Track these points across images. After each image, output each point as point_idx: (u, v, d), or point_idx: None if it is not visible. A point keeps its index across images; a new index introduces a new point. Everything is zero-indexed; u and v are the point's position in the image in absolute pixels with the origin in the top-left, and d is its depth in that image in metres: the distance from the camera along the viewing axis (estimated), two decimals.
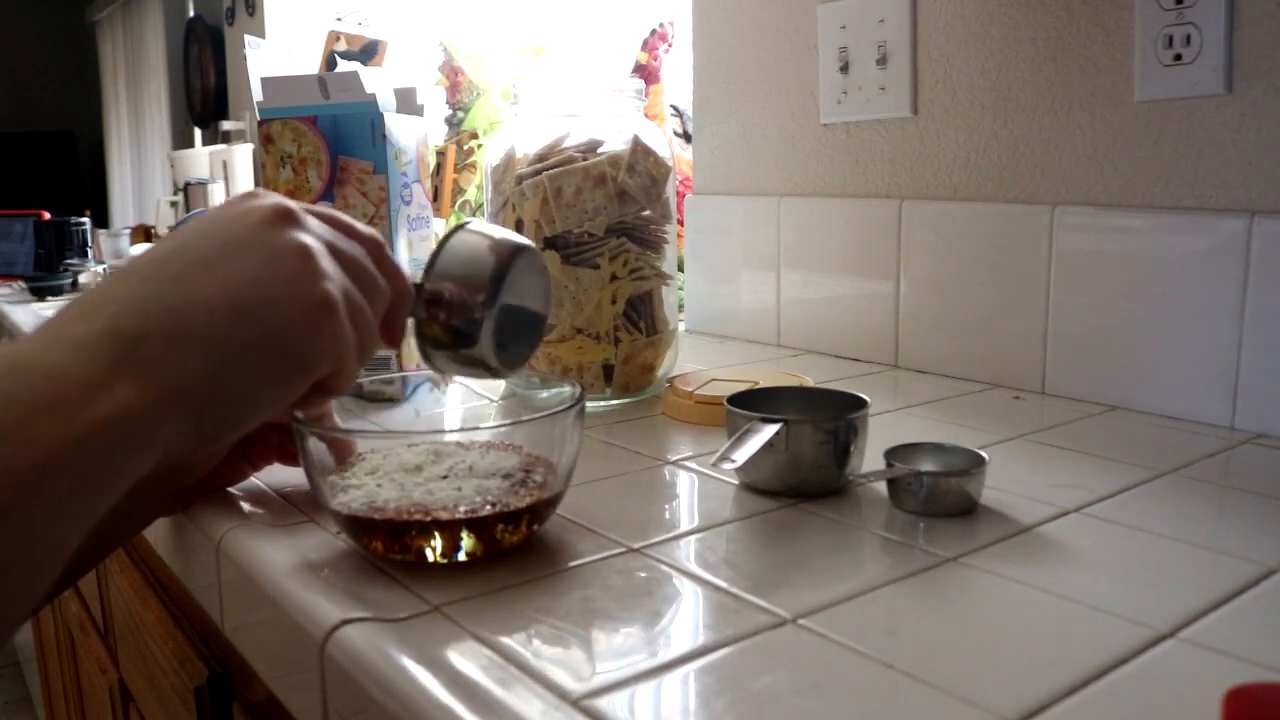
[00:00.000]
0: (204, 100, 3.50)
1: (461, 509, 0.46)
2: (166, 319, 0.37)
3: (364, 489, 0.48)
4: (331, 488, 0.49)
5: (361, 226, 0.46)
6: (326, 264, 0.41)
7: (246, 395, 0.40)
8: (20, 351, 0.35)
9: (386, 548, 0.48)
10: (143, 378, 0.36)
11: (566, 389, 0.55)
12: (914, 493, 0.54)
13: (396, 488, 0.48)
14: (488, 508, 0.47)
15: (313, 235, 0.42)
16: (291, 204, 0.42)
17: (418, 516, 0.46)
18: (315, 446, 0.49)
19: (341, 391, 0.45)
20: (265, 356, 0.39)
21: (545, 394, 0.59)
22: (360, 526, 0.48)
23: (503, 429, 0.56)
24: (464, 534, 0.47)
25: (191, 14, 3.76)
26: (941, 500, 0.54)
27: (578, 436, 0.51)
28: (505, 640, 0.40)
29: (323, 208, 0.45)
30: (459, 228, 0.50)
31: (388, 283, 0.45)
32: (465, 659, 0.39)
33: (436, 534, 0.47)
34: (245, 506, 0.57)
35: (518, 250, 0.49)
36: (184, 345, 0.37)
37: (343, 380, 0.44)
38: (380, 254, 0.46)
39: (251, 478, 0.60)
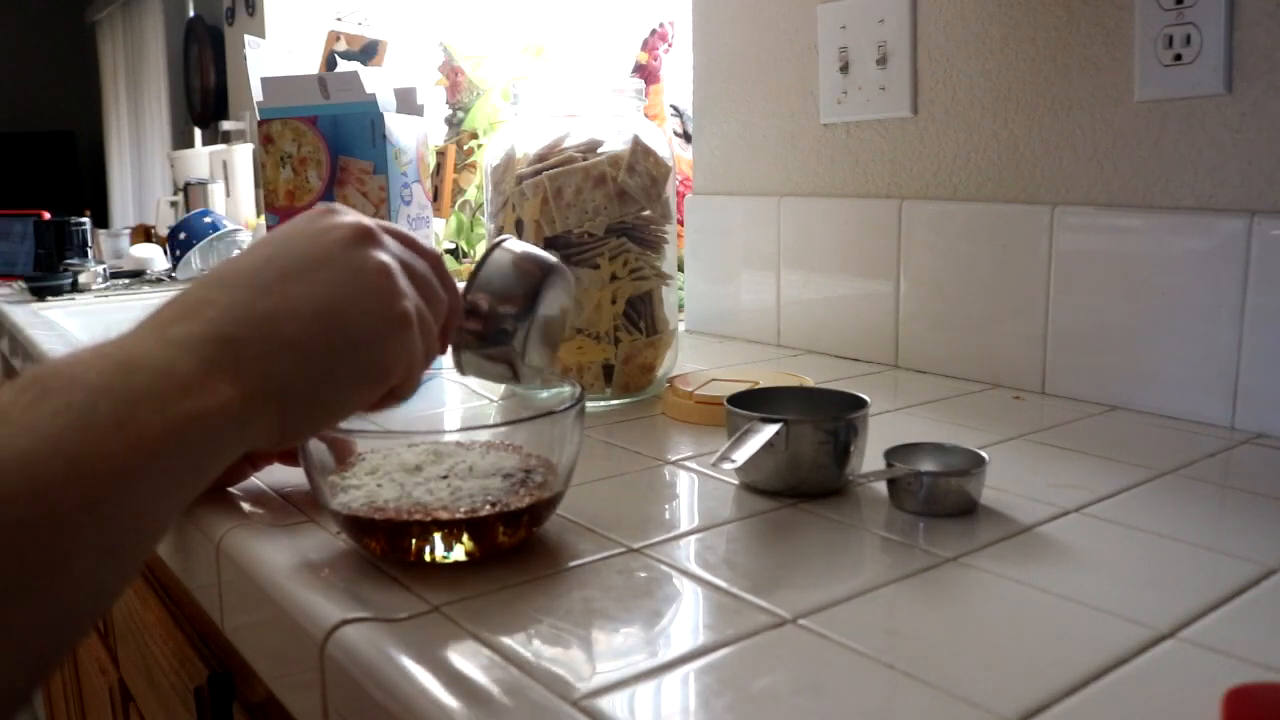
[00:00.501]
0: (204, 100, 3.50)
1: (461, 509, 0.46)
2: (261, 325, 0.41)
3: (364, 489, 0.48)
4: (331, 488, 0.49)
5: (426, 244, 0.49)
6: (403, 282, 0.45)
7: (331, 398, 0.43)
8: (129, 349, 0.38)
9: (386, 548, 0.48)
10: (239, 378, 0.39)
11: (566, 389, 0.55)
12: (914, 493, 0.54)
13: (396, 488, 0.48)
14: (488, 508, 0.47)
15: (390, 254, 0.45)
16: (370, 222, 0.46)
17: (418, 516, 0.46)
18: (315, 447, 0.49)
19: (407, 397, 0.48)
20: (349, 363, 0.43)
21: (545, 394, 0.59)
22: (360, 526, 0.48)
23: (503, 429, 0.57)
24: (464, 534, 0.47)
25: (191, 14, 3.76)
26: (941, 500, 0.54)
27: (578, 436, 0.51)
28: (505, 640, 0.40)
29: (393, 225, 0.48)
30: (495, 246, 0.54)
31: (447, 296, 0.49)
32: (465, 659, 0.39)
33: (436, 534, 0.47)
34: (245, 506, 0.57)
35: (549, 270, 0.54)
36: (277, 350, 0.41)
37: (410, 387, 0.47)
38: (441, 270, 0.49)
39: (251, 478, 0.60)
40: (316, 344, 0.42)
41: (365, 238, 0.45)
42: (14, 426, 0.33)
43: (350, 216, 0.46)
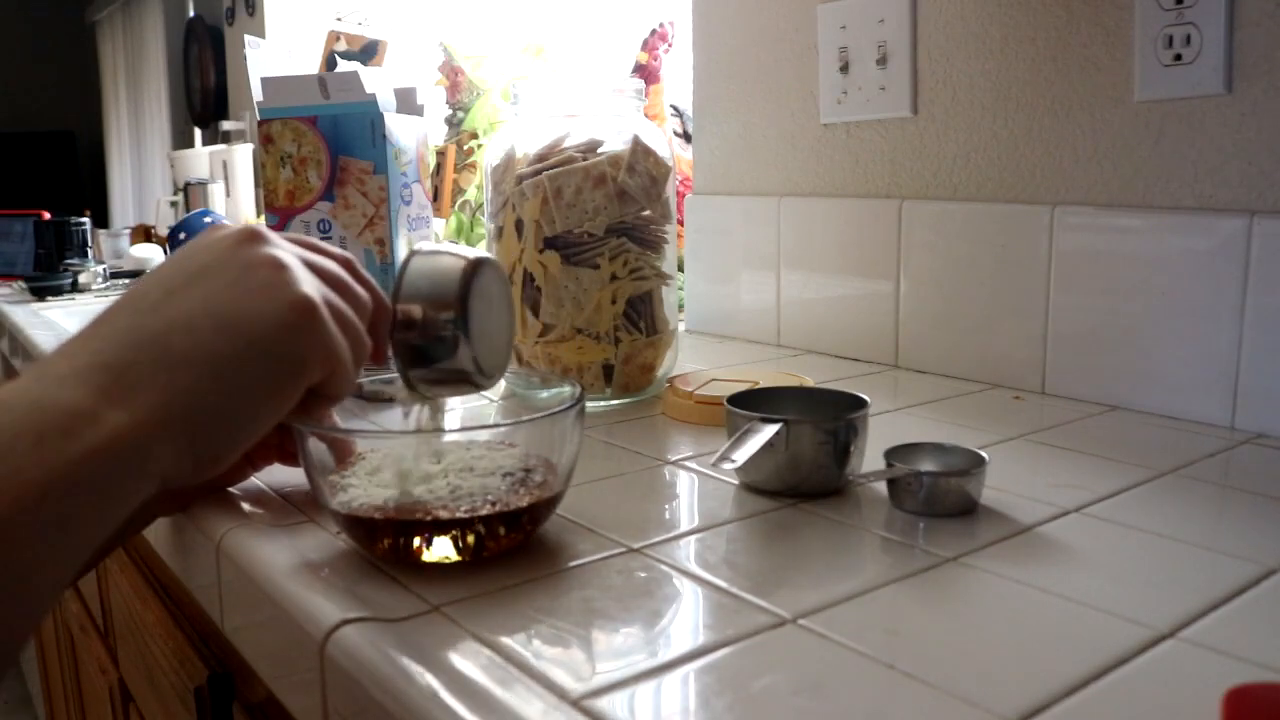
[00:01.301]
0: (204, 100, 3.50)
1: (461, 509, 0.46)
2: (150, 344, 0.37)
3: (364, 489, 0.48)
4: (331, 488, 0.49)
5: (331, 246, 0.47)
6: (300, 272, 0.42)
7: (240, 409, 0.40)
8: (4, 391, 0.35)
9: (386, 548, 0.48)
10: (131, 403, 0.36)
11: (566, 389, 0.55)
12: (914, 493, 0.54)
13: (396, 487, 0.48)
14: (488, 507, 0.47)
15: (281, 249, 0.42)
16: (259, 226, 0.43)
17: (418, 516, 0.46)
18: (315, 446, 0.49)
19: (340, 396, 0.45)
20: (252, 366, 0.40)
21: (545, 394, 0.59)
22: (360, 526, 0.48)
23: (503, 429, 0.57)
24: (464, 534, 0.47)
25: (191, 14, 3.76)
26: (941, 500, 0.54)
27: (578, 436, 0.51)
28: (505, 640, 0.40)
29: (296, 234, 0.46)
30: (413, 253, 0.52)
31: (366, 293, 0.46)
32: (465, 659, 0.39)
33: (437, 533, 0.47)
34: (245, 506, 0.57)
35: (477, 263, 0.51)
36: (169, 367, 0.37)
37: (339, 384, 0.44)
38: (353, 269, 0.46)
39: (251, 478, 0.60)
40: (213, 354, 0.38)
41: (251, 238, 0.42)
42: None
43: (238, 225, 0.43)
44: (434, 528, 0.46)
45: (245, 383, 0.39)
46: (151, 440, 0.36)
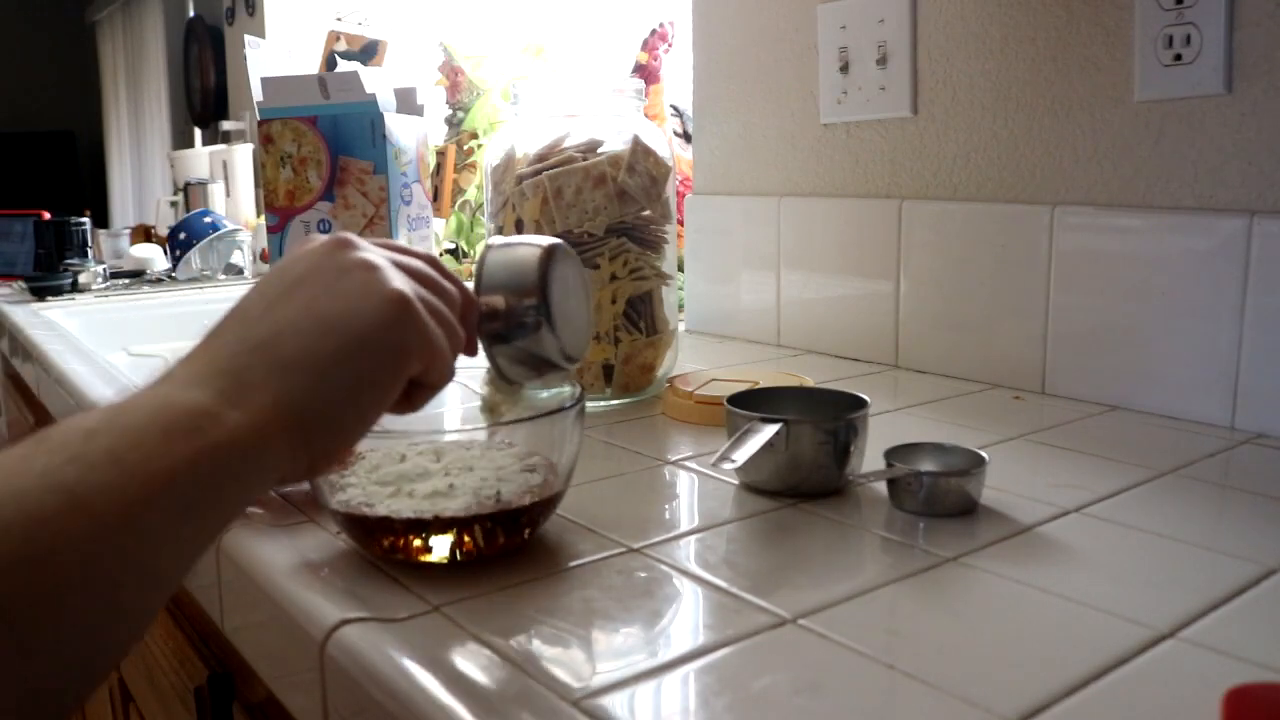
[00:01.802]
0: (204, 100, 3.50)
1: (462, 509, 0.46)
2: (260, 350, 0.40)
3: (363, 488, 0.48)
4: (331, 487, 0.49)
5: (415, 248, 0.48)
6: (391, 271, 0.44)
7: (348, 404, 0.42)
8: (129, 398, 0.37)
9: (386, 547, 0.48)
10: (248, 404, 0.38)
11: (566, 389, 0.55)
12: (914, 493, 0.54)
13: (396, 487, 0.48)
14: (487, 507, 0.47)
15: (372, 252, 0.45)
16: (348, 234, 0.45)
17: (418, 516, 0.46)
18: None
19: (441, 385, 0.47)
20: (357, 362, 0.41)
21: (545, 394, 0.59)
22: (360, 526, 0.48)
23: (503, 429, 0.57)
24: (464, 533, 0.47)
25: (191, 14, 3.76)
26: (941, 500, 0.54)
27: (578, 436, 0.51)
28: (505, 640, 0.40)
29: (382, 239, 0.48)
30: (488, 247, 0.53)
31: (454, 287, 0.48)
32: (465, 659, 0.39)
33: (437, 533, 0.47)
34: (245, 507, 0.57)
35: (551, 250, 0.52)
36: (281, 370, 0.39)
37: (438, 373, 0.45)
38: (439, 265, 0.48)
39: None
40: (320, 353, 0.40)
41: (342, 244, 0.44)
42: (7, 470, 0.32)
43: (329, 235, 0.45)
44: (434, 527, 0.46)
45: (351, 378, 0.41)
46: (270, 438, 0.38)
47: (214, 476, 0.36)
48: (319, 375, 0.40)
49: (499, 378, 0.53)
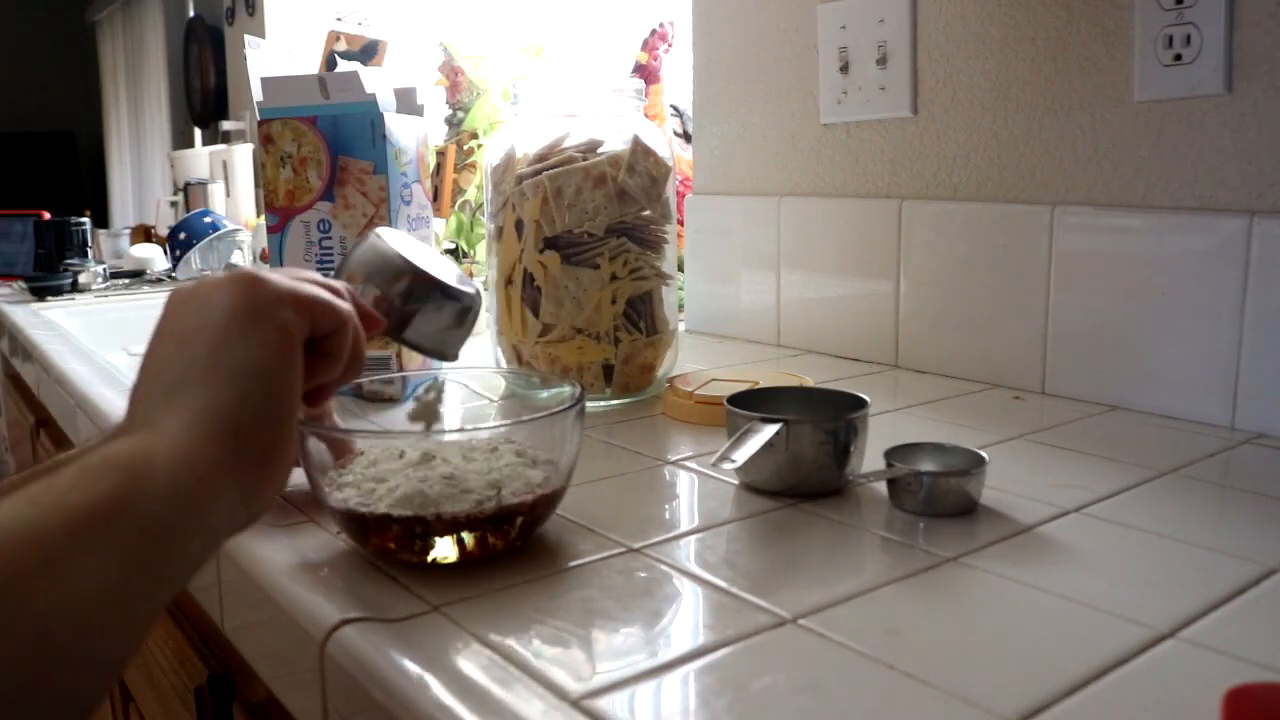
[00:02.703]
0: (204, 100, 3.50)
1: (461, 508, 0.46)
2: (172, 390, 0.41)
3: (362, 486, 0.48)
4: (330, 484, 0.49)
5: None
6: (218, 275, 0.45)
7: (259, 398, 0.41)
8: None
9: (385, 547, 0.48)
10: (170, 433, 0.38)
11: (566, 389, 0.55)
12: (914, 493, 0.54)
13: (395, 486, 0.48)
14: (487, 506, 0.47)
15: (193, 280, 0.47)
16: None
17: (418, 515, 0.46)
18: (315, 446, 0.49)
19: (344, 348, 0.47)
20: (238, 346, 0.42)
21: (545, 394, 0.59)
22: (359, 524, 0.48)
23: (503, 429, 0.57)
24: (464, 533, 0.47)
25: (191, 14, 3.76)
26: (941, 500, 0.54)
27: (578, 436, 0.51)
28: (505, 640, 0.40)
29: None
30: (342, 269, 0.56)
31: (311, 274, 0.48)
32: (465, 659, 0.39)
33: (436, 533, 0.47)
34: None
35: (374, 233, 0.56)
36: (193, 390, 0.40)
37: (333, 332, 0.46)
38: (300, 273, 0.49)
39: None
40: (206, 361, 0.41)
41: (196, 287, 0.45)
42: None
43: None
44: (434, 527, 0.46)
45: (241, 366, 0.41)
46: (198, 463, 0.38)
47: (144, 510, 0.35)
48: (223, 384, 0.40)
49: (432, 354, 0.55)
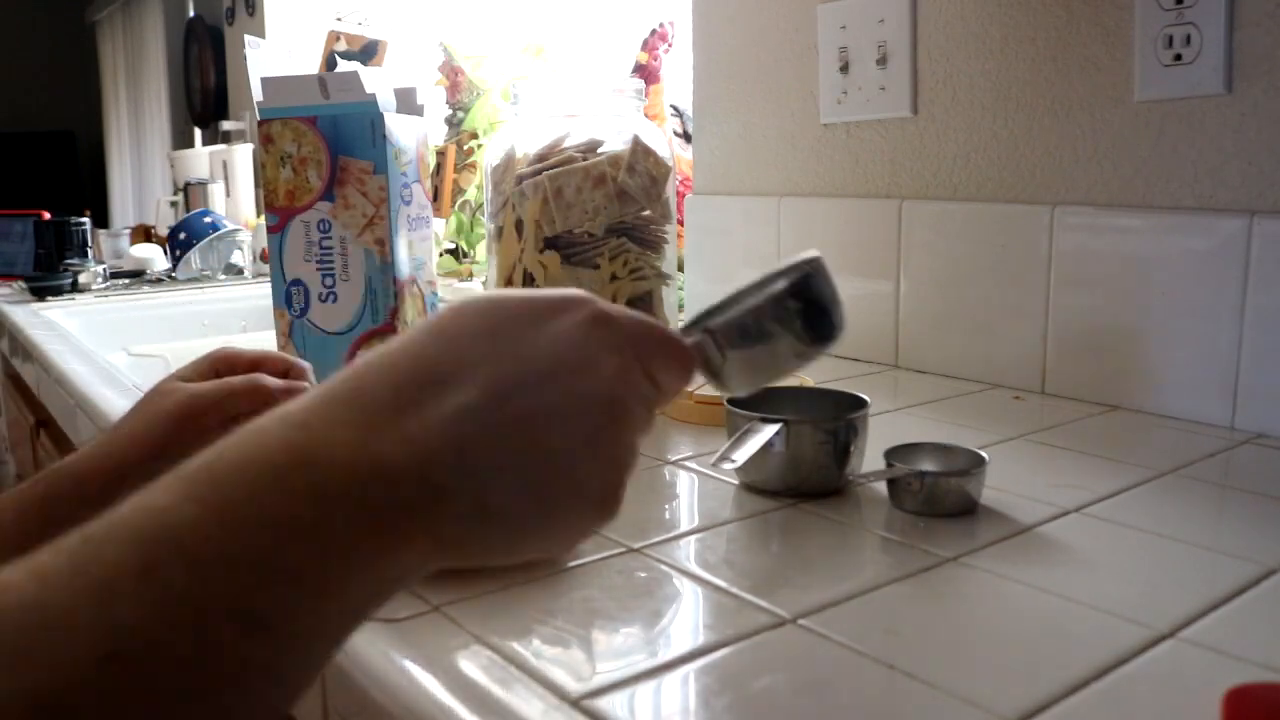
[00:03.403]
0: (204, 100, 3.50)
1: None
2: (469, 453, 0.30)
3: None
4: None
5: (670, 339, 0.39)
6: (633, 441, 0.37)
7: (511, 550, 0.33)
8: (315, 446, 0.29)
9: None
10: (436, 520, 0.29)
11: None
12: (914, 493, 0.54)
13: None
14: None
15: (626, 379, 0.36)
16: (601, 307, 0.35)
17: None
18: None
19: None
20: (549, 528, 0.33)
21: None
22: None
23: None
24: None
25: (191, 14, 3.76)
26: (941, 500, 0.54)
27: None
28: (505, 640, 0.40)
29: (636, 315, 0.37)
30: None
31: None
32: (465, 659, 0.39)
33: None
34: None
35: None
36: (472, 514, 0.30)
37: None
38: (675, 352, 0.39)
39: None
40: (518, 516, 0.31)
41: (599, 341, 0.34)
42: (100, 562, 0.25)
43: (583, 306, 0.35)
44: None
45: (527, 547, 0.33)
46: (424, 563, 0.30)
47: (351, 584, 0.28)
48: (503, 529, 0.31)
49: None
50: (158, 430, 0.55)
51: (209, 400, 0.55)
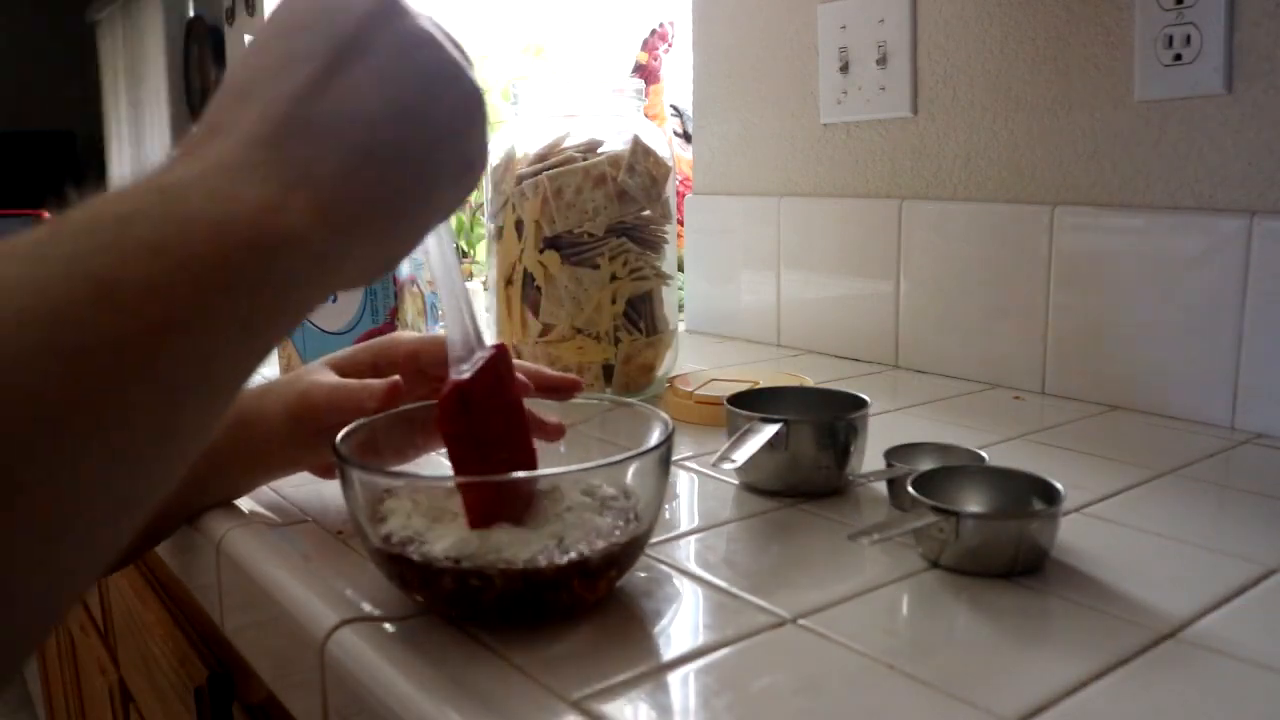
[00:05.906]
0: (204, 100, 3.50)
1: (528, 557, 0.40)
2: (325, 133, 0.33)
3: (411, 529, 0.42)
4: (372, 518, 0.43)
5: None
6: (459, 54, 0.38)
7: (422, 202, 0.36)
8: (169, 176, 0.30)
9: (431, 598, 0.42)
10: (314, 198, 0.31)
11: (655, 430, 0.47)
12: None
13: (451, 530, 0.41)
14: (568, 556, 0.40)
15: (427, 22, 0.38)
16: None
17: (478, 568, 0.40)
18: (361, 479, 0.43)
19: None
20: (438, 158, 0.35)
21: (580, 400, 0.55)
22: (405, 570, 0.41)
23: (594, 469, 0.45)
24: (535, 587, 0.40)
25: (191, 14, 3.76)
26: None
27: (663, 475, 0.45)
28: (504, 640, 0.40)
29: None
30: None
31: None
32: (465, 659, 0.39)
33: (498, 589, 0.40)
34: (245, 507, 0.57)
35: None
36: (352, 159, 0.33)
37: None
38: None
39: None
40: (396, 145, 0.34)
41: (394, 8, 0.36)
42: (20, 257, 0.25)
43: None
44: (497, 581, 0.40)
45: (431, 176, 0.35)
46: (341, 236, 0.32)
47: (275, 279, 0.30)
48: (396, 169, 0.34)
49: None
50: (279, 426, 0.52)
51: (334, 403, 0.51)
